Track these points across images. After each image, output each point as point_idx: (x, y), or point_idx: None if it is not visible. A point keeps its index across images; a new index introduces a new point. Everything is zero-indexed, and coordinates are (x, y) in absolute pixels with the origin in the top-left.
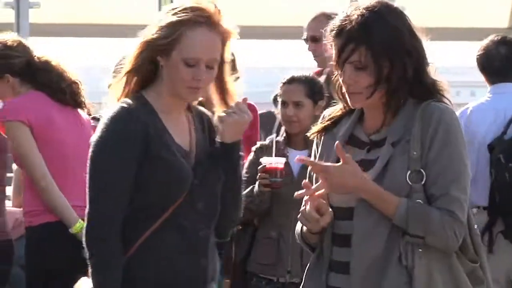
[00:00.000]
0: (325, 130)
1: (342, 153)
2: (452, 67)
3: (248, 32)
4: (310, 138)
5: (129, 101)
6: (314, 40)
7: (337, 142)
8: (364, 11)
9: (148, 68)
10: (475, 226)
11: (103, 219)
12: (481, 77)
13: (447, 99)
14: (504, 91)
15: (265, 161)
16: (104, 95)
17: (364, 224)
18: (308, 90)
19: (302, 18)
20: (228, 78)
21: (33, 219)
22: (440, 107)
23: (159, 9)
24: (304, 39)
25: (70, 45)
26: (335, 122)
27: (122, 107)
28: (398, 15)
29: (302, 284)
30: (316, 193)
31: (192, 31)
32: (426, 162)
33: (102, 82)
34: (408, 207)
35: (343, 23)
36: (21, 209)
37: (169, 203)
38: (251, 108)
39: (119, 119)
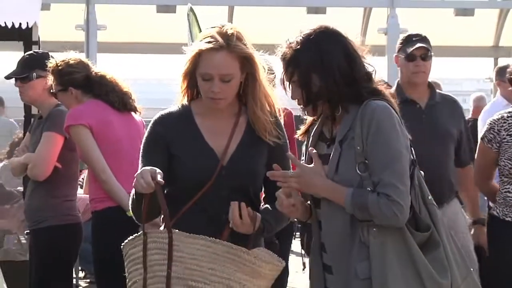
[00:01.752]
0: (307, 131)
1: (316, 158)
2: (446, 79)
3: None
4: (299, 139)
5: (173, 107)
6: None
7: (310, 148)
8: (301, 38)
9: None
10: (429, 197)
11: None
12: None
13: (386, 99)
14: None
15: None
16: (158, 100)
17: (327, 210)
18: None
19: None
20: (260, 91)
21: (98, 205)
22: (373, 105)
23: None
24: None
25: (132, 60)
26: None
27: (160, 113)
28: (332, 39)
29: (309, 261)
30: (283, 185)
31: (207, 54)
32: (366, 154)
33: (157, 91)
34: (351, 198)
35: (286, 50)
36: None
37: (192, 193)
38: (286, 112)
39: (152, 122)
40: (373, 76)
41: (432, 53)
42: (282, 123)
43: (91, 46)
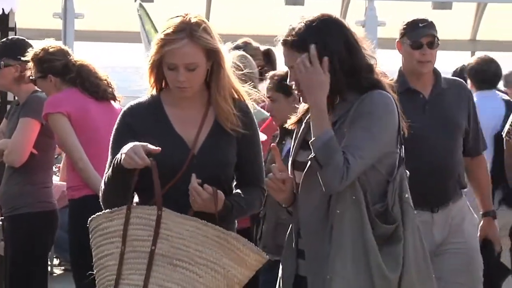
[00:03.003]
0: (299, 121)
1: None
2: None
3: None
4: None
5: (143, 98)
6: None
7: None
8: (304, 25)
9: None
10: (407, 195)
11: None
12: None
13: (387, 91)
14: None
15: None
16: (136, 90)
17: (305, 195)
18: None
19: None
20: (224, 80)
21: (75, 193)
22: (374, 94)
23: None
24: None
25: (109, 48)
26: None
27: (130, 104)
28: (333, 28)
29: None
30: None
31: (171, 44)
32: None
33: (135, 79)
34: (329, 138)
35: (287, 35)
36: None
37: (163, 183)
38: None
39: (121, 114)
40: (374, 67)
41: (438, 40)
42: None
43: (68, 34)
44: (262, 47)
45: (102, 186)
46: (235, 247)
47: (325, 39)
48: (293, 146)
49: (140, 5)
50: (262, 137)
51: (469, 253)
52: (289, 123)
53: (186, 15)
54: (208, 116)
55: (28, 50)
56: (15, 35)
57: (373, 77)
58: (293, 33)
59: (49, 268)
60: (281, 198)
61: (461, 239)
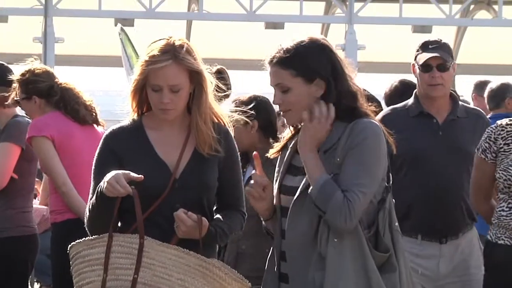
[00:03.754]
0: (282, 148)
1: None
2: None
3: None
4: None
5: (124, 122)
6: None
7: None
8: (294, 44)
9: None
10: (396, 223)
11: None
12: None
13: (373, 119)
14: None
15: None
16: (115, 114)
17: (293, 218)
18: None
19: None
20: (206, 104)
21: (57, 217)
22: (363, 123)
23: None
24: None
25: (89, 73)
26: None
27: (111, 129)
28: (321, 51)
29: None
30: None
31: (155, 65)
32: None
33: (117, 102)
34: (324, 182)
35: (275, 54)
36: (47, 207)
37: (145, 207)
38: None
39: (103, 138)
40: (358, 96)
41: (452, 63)
42: None
43: (48, 58)
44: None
45: (87, 213)
46: (217, 276)
47: (313, 61)
48: (279, 170)
49: (122, 29)
50: None
51: (477, 284)
52: (272, 152)
53: (170, 37)
54: (190, 140)
55: (7, 74)
56: None
57: (358, 105)
58: (282, 51)
59: None
60: (261, 207)
61: (467, 273)
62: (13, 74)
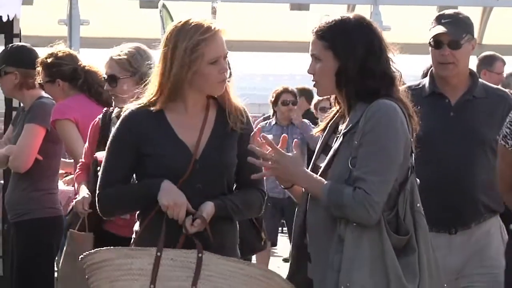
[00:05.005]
0: (325, 128)
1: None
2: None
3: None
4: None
5: (141, 102)
6: None
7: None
8: (336, 19)
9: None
10: (418, 204)
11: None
12: None
13: (395, 100)
14: None
15: None
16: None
17: (312, 200)
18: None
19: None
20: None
21: None
22: (380, 104)
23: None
24: None
25: None
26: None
27: (130, 110)
28: (362, 30)
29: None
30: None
31: (211, 39)
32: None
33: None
34: (328, 193)
35: (320, 25)
36: (73, 188)
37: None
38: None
39: (121, 120)
40: (394, 80)
41: (468, 39)
42: None
43: (73, 41)
44: None
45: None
46: (278, 284)
47: (348, 38)
48: (317, 150)
49: (163, 6)
50: None
51: (494, 279)
52: (316, 131)
53: (202, 18)
54: (209, 120)
55: (32, 57)
56: (20, 42)
57: (393, 89)
58: (324, 22)
59: (55, 273)
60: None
61: (483, 265)
62: (38, 56)
